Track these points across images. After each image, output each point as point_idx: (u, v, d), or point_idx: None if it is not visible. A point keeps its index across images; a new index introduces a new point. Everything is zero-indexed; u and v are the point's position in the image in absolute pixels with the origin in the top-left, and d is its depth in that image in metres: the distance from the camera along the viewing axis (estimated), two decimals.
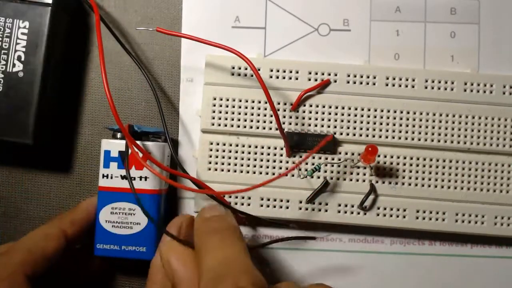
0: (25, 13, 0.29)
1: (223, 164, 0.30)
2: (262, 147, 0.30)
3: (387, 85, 0.29)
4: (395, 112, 0.29)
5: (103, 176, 0.28)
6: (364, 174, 0.29)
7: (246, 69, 0.30)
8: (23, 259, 0.26)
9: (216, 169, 0.30)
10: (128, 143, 0.27)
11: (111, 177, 0.28)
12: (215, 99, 0.30)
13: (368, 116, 0.29)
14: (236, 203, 0.29)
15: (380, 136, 0.29)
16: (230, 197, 0.29)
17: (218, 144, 0.30)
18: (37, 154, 0.31)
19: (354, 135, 0.29)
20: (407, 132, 0.29)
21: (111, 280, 0.31)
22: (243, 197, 0.29)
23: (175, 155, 0.30)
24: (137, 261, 0.29)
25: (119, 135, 0.29)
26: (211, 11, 0.31)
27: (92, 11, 0.29)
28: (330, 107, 0.29)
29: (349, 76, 0.30)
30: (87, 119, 0.32)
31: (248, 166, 0.29)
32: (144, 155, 0.27)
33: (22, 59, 0.29)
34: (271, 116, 0.29)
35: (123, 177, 0.28)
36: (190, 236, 0.28)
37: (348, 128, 0.29)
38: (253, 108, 0.30)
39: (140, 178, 0.28)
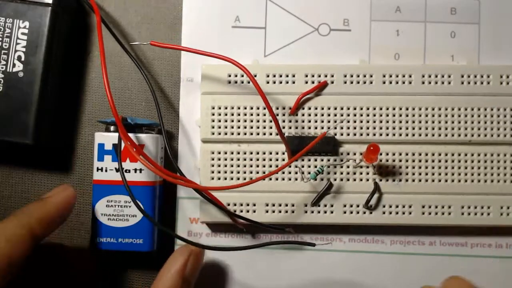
0: (25, 13, 0.29)
1: (225, 172, 0.30)
2: (264, 153, 0.30)
3: (384, 83, 0.29)
4: (394, 109, 0.29)
5: (98, 169, 0.28)
6: (367, 173, 0.29)
7: (242, 76, 0.30)
8: None
9: (219, 178, 0.30)
10: (120, 135, 0.27)
11: (106, 170, 0.28)
12: (213, 108, 0.29)
13: (368, 115, 0.29)
14: (241, 211, 0.29)
15: (381, 134, 0.29)
16: (235, 204, 0.29)
17: (219, 153, 0.30)
18: (37, 154, 0.31)
19: (355, 135, 0.29)
20: (407, 128, 0.29)
21: (110, 274, 0.31)
22: (248, 204, 0.29)
23: (169, 148, 0.29)
24: (135, 254, 0.29)
25: (112, 128, 0.29)
26: (211, 11, 0.31)
27: (92, 11, 0.29)
28: (329, 108, 0.29)
29: (345, 76, 0.30)
30: (87, 119, 0.32)
31: (251, 172, 0.29)
32: (137, 149, 0.28)
33: (22, 59, 0.29)
34: (271, 121, 0.29)
35: (117, 170, 0.28)
36: (195, 270, 0.28)
37: (348, 128, 0.29)
38: (252, 114, 0.29)
39: (135, 170, 0.28)
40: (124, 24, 0.32)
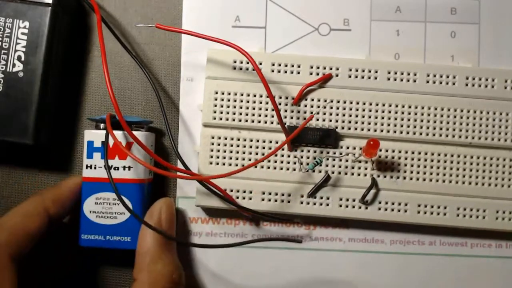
0: (25, 13, 0.29)
1: (224, 158, 0.30)
2: (264, 141, 0.30)
3: (388, 79, 0.30)
4: (396, 106, 0.29)
5: (87, 166, 0.28)
6: (366, 168, 0.29)
7: (247, 63, 0.30)
8: (7, 240, 0.25)
9: (217, 163, 0.30)
10: (109, 131, 0.26)
11: (95, 168, 0.28)
12: (216, 93, 0.30)
13: (370, 111, 0.29)
14: (237, 197, 0.29)
15: (382, 130, 0.29)
16: (232, 191, 0.29)
17: (219, 138, 0.30)
18: (37, 154, 0.31)
19: (356, 129, 0.29)
20: (408, 126, 0.29)
21: (95, 270, 0.31)
22: (244, 191, 0.29)
23: (175, 146, 0.30)
24: (122, 251, 0.29)
25: (101, 125, 0.29)
26: (211, 10, 0.31)
27: (92, 11, 0.29)
28: (332, 101, 0.29)
29: (350, 70, 0.30)
30: (87, 119, 0.31)
31: (250, 160, 0.29)
32: (127, 144, 0.28)
33: (22, 59, 0.29)
34: (273, 110, 0.29)
35: (106, 167, 0.28)
36: (172, 221, 0.29)
37: (350, 122, 0.29)
38: (254, 102, 0.30)
39: (124, 167, 0.28)
40: (124, 24, 0.32)
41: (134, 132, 0.28)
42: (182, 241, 0.31)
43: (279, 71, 0.30)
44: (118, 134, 0.28)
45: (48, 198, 0.28)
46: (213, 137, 0.30)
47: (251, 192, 0.29)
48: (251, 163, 0.28)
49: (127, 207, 0.26)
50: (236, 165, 0.30)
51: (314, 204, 0.29)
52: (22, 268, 0.26)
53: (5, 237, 0.25)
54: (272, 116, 0.29)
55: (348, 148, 0.30)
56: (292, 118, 0.30)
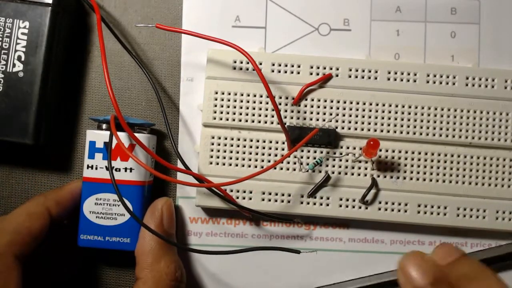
0: (25, 13, 0.29)
1: (224, 158, 0.30)
2: (264, 141, 0.30)
3: (388, 79, 0.30)
4: (396, 106, 0.29)
5: (88, 167, 0.29)
6: (366, 168, 0.29)
7: (247, 63, 0.30)
8: (11, 240, 0.26)
9: (217, 163, 0.30)
10: (113, 133, 0.26)
11: (96, 168, 0.28)
12: (216, 93, 0.30)
13: (370, 111, 0.29)
14: (237, 197, 0.29)
15: (382, 130, 0.29)
16: (232, 191, 0.29)
17: (219, 138, 0.30)
18: (37, 154, 0.31)
19: (356, 129, 0.29)
20: (408, 126, 0.29)
21: (94, 271, 0.31)
22: (244, 191, 0.29)
23: (175, 146, 0.30)
24: (121, 252, 0.29)
25: (104, 126, 0.29)
26: (211, 10, 0.31)
27: (92, 11, 0.29)
28: (332, 101, 0.29)
29: (350, 70, 0.30)
30: (87, 119, 0.31)
31: (250, 160, 0.29)
32: (129, 146, 0.28)
33: (22, 59, 0.29)
34: (273, 110, 0.29)
35: (107, 168, 0.28)
36: (173, 219, 0.29)
37: (350, 122, 0.29)
38: (254, 102, 0.30)
39: (125, 169, 0.28)
40: (124, 24, 0.32)
41: (137, 135, 0.28)
42: (182, 246, 0.31)
43: (279, 71, 0.30)
44: (121, 135, 0.28)
45: (51, 199, 0.28)
46: (213, 137, 0.30)
47: (251, 192, 0.29)
48: (259, 170, 0.28)
49: (128, 210, 0.26)
50: (236, 165, 0.30)
51: (314, 204, 0.29)
52: (25, 268, 0.26)
53: (9, 237, 0.26)
54: (272, 116, 0.29)
55: (348, 148, 0.30)
56: (292, 118, 0.30)
